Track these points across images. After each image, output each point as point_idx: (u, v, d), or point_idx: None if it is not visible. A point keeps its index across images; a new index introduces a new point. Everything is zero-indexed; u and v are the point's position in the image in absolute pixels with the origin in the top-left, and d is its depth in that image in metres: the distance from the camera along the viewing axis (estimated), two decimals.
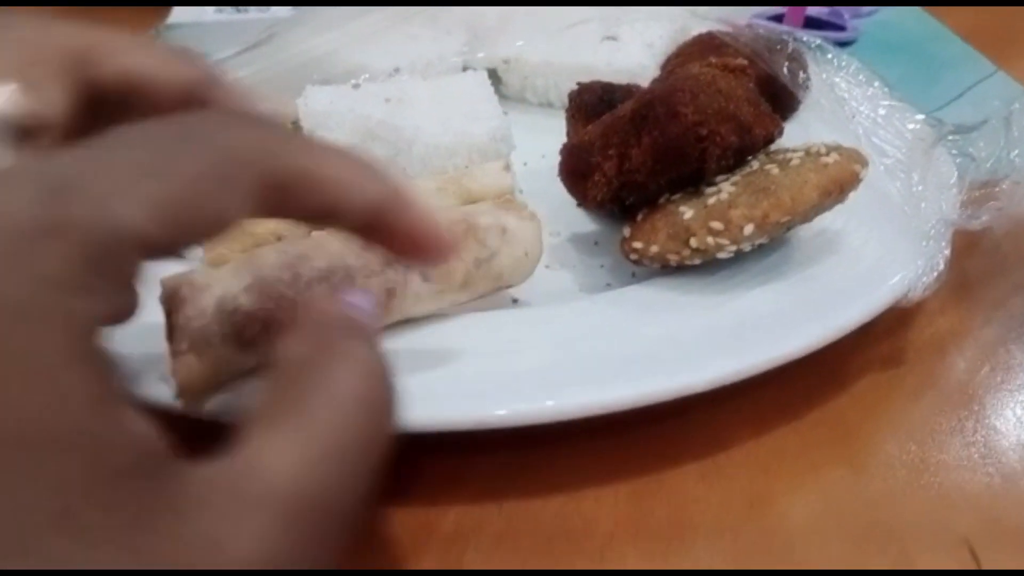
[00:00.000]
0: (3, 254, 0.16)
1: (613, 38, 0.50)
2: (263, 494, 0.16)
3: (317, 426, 0.18)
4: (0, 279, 0.15)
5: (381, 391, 0.19)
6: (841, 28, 0.63)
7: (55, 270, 0.16)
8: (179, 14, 0.77)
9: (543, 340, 0.29)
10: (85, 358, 0.16)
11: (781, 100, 0.41)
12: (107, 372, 0.16)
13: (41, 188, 0.16)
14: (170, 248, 0.18)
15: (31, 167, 0.18)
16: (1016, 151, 0.37)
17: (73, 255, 0.16)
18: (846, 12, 0.64)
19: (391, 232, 0.22)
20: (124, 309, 0.18)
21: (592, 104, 0.40)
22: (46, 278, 0.16)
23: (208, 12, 0.76)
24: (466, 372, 0.28)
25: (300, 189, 0.20)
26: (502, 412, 0.26)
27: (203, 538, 0.15)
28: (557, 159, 0.36)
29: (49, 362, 0.15)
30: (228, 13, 0.76)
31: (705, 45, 0.45)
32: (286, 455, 0.17)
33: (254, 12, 0.75)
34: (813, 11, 0.62)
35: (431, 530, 0.27)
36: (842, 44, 0.61)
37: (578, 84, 0.41)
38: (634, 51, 0.49)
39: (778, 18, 0.62)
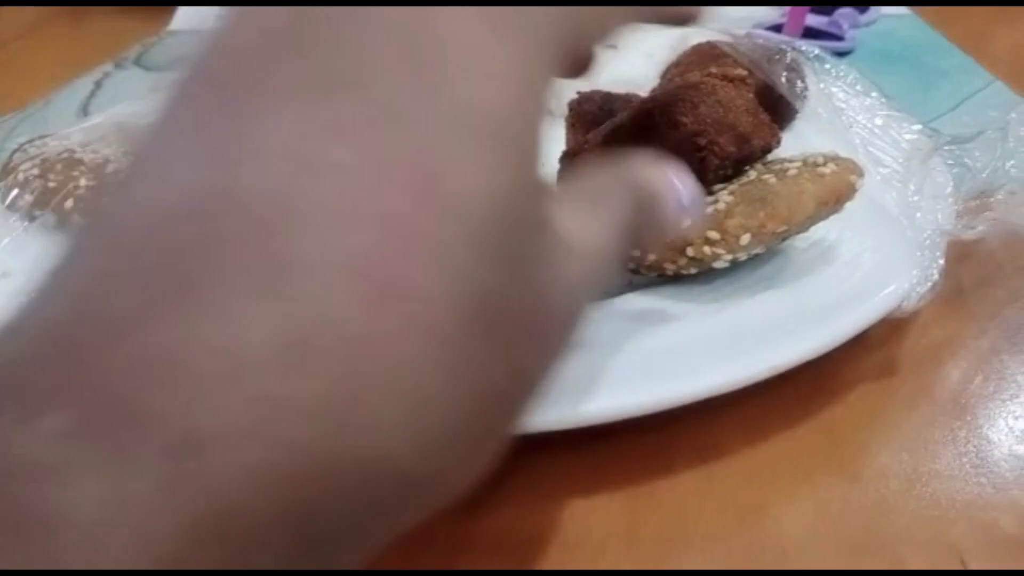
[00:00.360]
0: None
1: (613, 47, 0.50)
2: None
3: None
4: None
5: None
6: (839, 38, 0.63)
7: None
8: (182, 20, 0.77)
9: None
10: None
11: (779, 109, 0.41)
12: None
13: None
14: None
15: None
16: (1012, 162, 0.37)
17: None
18: (844, 22, 0.64)
19: None
20: None
21: (592, 113, 0.40)
22: None
23: (211, 18, 0.76)
24: None
25: None
26: None
27: None
28: (556, 167, 0.36)
29: None
30: None
31: (705, 54, 0.45)
32: None
33: None
34: (812, 21, 0.63)
35: (424, 541, 0.27)
36: (840, 54, 0.62)
37: (578, 93, 0.42)
38: (634, 60, 0.49)
39: (777, 28, 0.63)
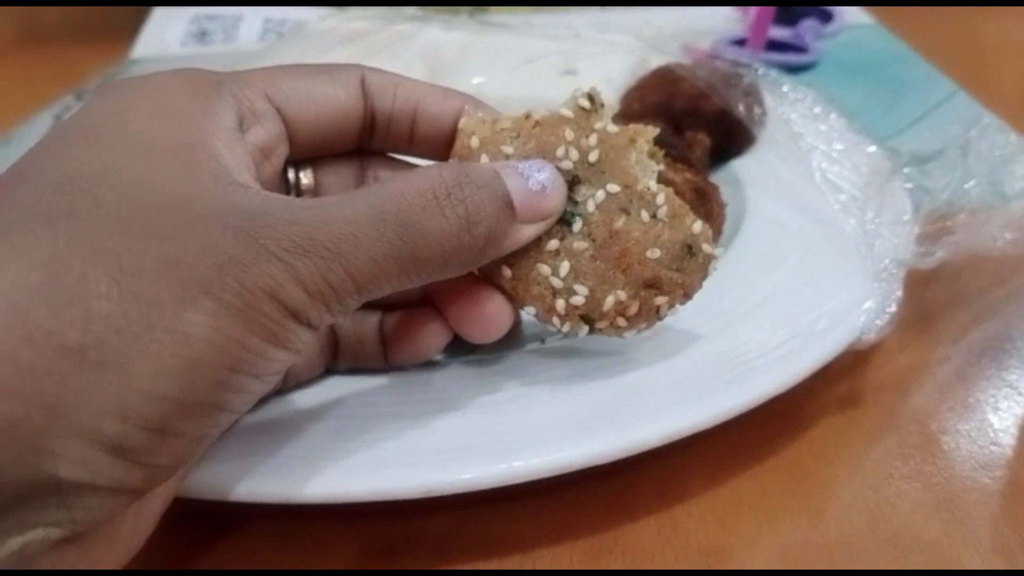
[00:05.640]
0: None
1: (572, 72, 0.50)
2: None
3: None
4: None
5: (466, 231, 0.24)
6: (803, 50, 0.63)
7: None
8: (143, 48, 0.76)
9: (492, 398, 0.29)
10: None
11: (737, 135, 0.41)
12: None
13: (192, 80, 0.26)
14: (302, 117, 0.28)
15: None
16: (972, 181, 0.37)
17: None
18: (808, 34, 0.64)
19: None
20: (269, 141, 0.27)
21: None
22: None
23: (173, 46, 0.76)
24: (411, 435, 0.27)
25: (388, 92, 0.29)
26: (452, 478, 0.26)
27: None
28: None
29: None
30: (193, 47, 0.75)
31: (663, 79, 0.45)
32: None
33: (219, 45, 0.74)
34: (775, 33, 0.63)
35: None
36: (804, 67, 0.62)
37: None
38: (593, 85, 0.49)
39: (741, 42, 0.63)
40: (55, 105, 0.67)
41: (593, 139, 0.28)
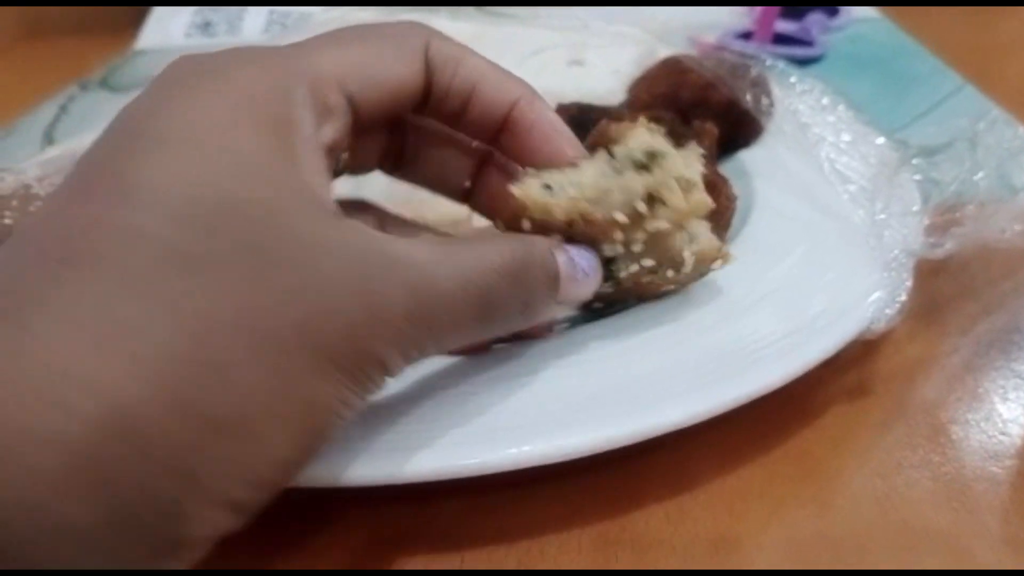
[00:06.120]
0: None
1: (580, 63, 0.50)
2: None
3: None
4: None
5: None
6: (809, 44, 0.63)
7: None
8: (147, 39, 0.76)
9: (503, 383, 0.29)
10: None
11: (744, 126, 0.41)
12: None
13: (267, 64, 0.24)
14: (367, 103, 0.26)
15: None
16: (981, 173, 0.37)
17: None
18: (814, 28, 0.64)
19: (523, 130, 0.28)
20: (339, 139, 0.25)
21: (568, 123, 0.40)
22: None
23: (177, 37, 0.76)
24: (416, 421, 0.27)
25: (450, 68, 0.27)
26: (463, 462, 0.26)
27: None
28: None
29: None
30: (197, 38, 0.75)
31: (671, 69, 0.45)
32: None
33: (223, 37, 0.74)
34: (782, 27, 0.62)
35: None
36: (810, 60, 0.62)
37: (558, 104, 0.42)
38: (601, 76, 0.49)
39: (747, 35, 0.62)
40: (59, 95, 0.67)
41: (640, 235, 0.28)
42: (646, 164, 0.28)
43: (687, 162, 0.28)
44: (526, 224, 0.28)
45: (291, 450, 0.21)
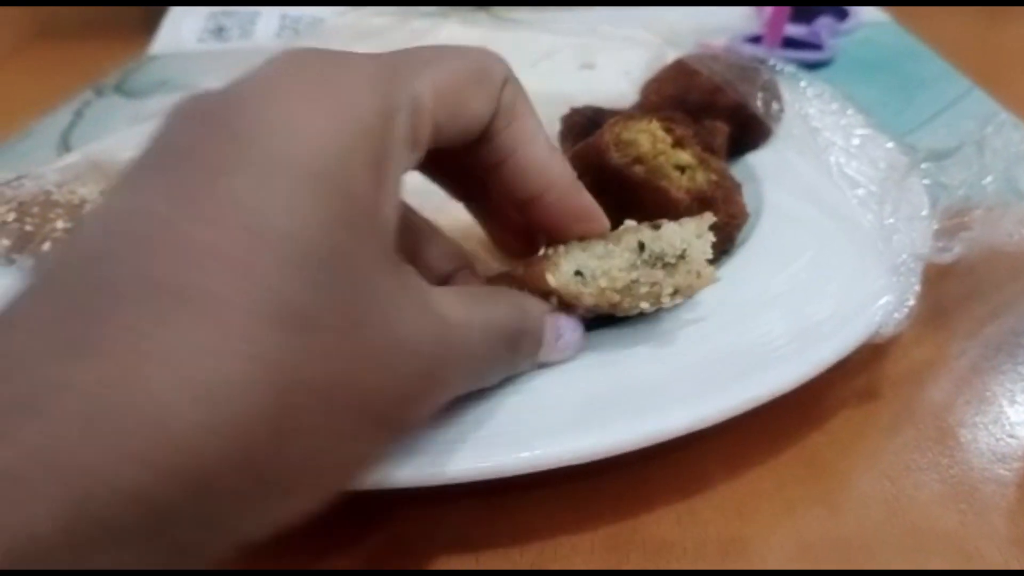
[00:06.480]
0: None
1: (590, 66, 0.50)
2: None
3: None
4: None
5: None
6: (819, 47, 0.63)
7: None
8: (161, 44, 0.77)
9: (515, 388, 0.29)
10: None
11: (753, 129, 0.41)
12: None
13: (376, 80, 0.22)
14: (444, 134, 0.25)
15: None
16: (989, 177, 0.37)
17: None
18: (824, 32, 0.64)
19: (556, 212, 0.28)
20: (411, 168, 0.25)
21: (582, 124, 0.41)
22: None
23: (190, 42, 0.76)
24: (439, 426, 0.27)
25: (505, 117, 0.26)
26: (478, 466, 0.26)
27: None
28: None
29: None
30: (210, 43, 0.76)
31: (680, 72, 0.45)
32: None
33: (236, 42, 0.75)
34: (791, 31, 0.63)
35: None
36: (819, 64, 0.62)
37: (571, 108, 0.42)
38: (612, 78, 0.49)
39: (756, 39, 0.63)
40: (74, 100, 0.68)
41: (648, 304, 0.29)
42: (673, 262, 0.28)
43: (703, 243, 0.29)
44: (553, 300, 0.29)
45: (319, 502, 0.20)
